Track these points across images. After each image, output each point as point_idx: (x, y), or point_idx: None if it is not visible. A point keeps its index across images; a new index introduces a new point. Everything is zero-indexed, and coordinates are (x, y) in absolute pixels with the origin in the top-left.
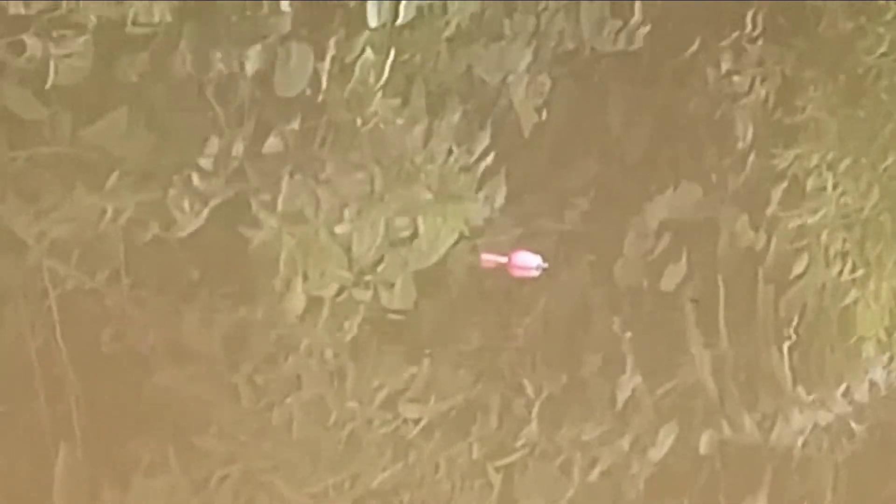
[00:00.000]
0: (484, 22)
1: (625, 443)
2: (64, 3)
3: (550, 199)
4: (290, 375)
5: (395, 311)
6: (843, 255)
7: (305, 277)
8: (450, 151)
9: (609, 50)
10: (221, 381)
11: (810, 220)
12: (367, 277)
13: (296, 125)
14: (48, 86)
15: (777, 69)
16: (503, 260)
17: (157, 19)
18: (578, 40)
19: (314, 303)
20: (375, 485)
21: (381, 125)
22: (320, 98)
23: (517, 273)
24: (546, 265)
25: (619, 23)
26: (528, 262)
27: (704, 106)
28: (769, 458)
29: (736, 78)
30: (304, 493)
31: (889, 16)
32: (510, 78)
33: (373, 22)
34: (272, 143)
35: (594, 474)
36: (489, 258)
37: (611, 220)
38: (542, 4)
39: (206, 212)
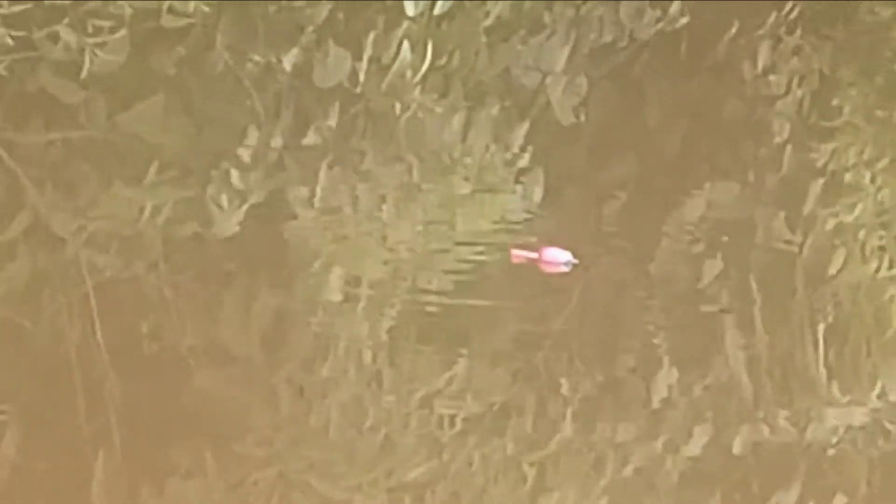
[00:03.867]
0: (523, 12)
1: (659, 443)
2: None
3: (588, 194)
4: (328, 377)
5: (432, 306)
6: (880, 252)
7: (343, 268)
8: (487, 145)
9: (648, 37)
10: (261, 384)
11: (847, 218)
12: (404, 271)
13: (334, 116)
14: (84, 75)
15: (814, 66)
16: (534, 256)
17: (192, 8)
18: (618, 29)
19: (351, 293)
20: (410, 478)
21: (420, 114)
22: (358, 89)
23: (547, 268)
24: (576, 261)
25: (658, 12)
26: (559, 257)
27: (741, 107)
28: (803, 455)
29: (772, 77)
30: (339, 488)
31: None
32: (548, 80)
33: (411, 11)
34: (311, 135)
35: (627, 469)
36: (520, 254)
37: (648, 217)
38: None
39: (244, 208)
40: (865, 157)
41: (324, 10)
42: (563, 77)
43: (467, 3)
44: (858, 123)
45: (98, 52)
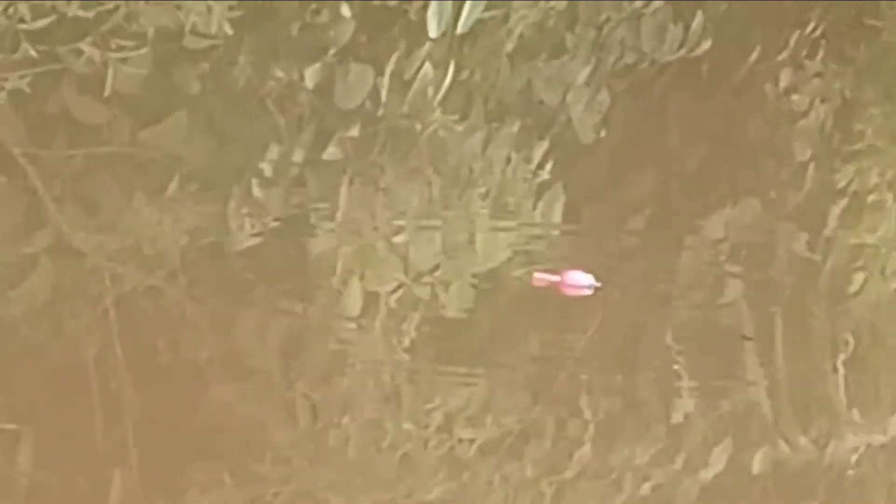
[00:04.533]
0: (545, 33)
1: (678, 463)
2: (122, 10)
3: (608, 214)
4: (346, 394)
5: (451, 325)
6: None
7: (362, 282)
8: (508, 160)
9: (669, 59)
10: (278, 400)
11: (869, 239)
12: (423, 286)
13: (355, 132)
14: (107, 92)
15: (836, 87)
16: (556, 279)
17: (214, 30)
18: (639, 52)
19: (370, 308)
20: (429, 498)
21: (441, 132)
22: (380, 112)
23: (569, 292)
24: (599, 284)
25: (681, 31)
26: (581, 281)
27: (762, 125)
28: (823, 476)
29: (795, 97)
30: None
31: None
32: (569, 97)
33: (433, 32)
34: (332, 151)
35: (645, 488)
36: (542, 276)
37: (668, 237)
38: (604, 15)
39: (265, 222)
40: (888, 178)
41: (347, 32)
42: (584, 92)
43: (489, 23)
44: (881, 146)
45: (122, 67)
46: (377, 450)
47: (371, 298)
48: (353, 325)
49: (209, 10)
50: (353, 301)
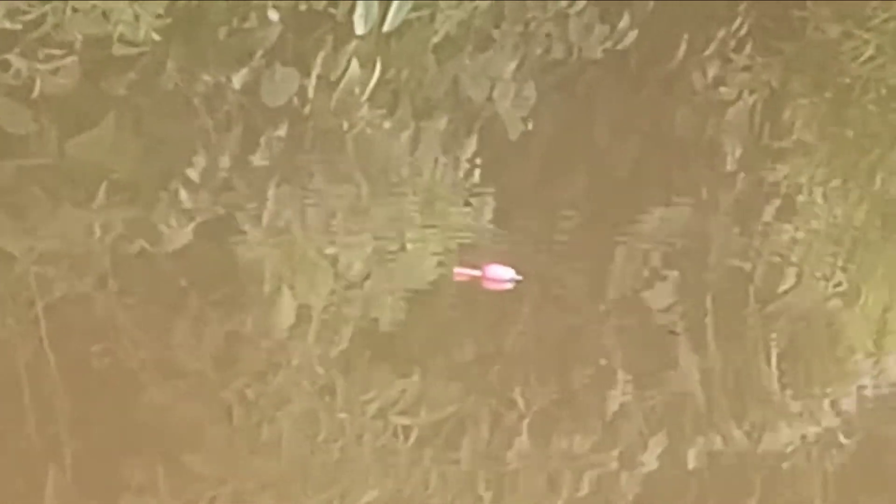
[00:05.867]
0: (472, 30)
1: (614, 455)
2: (50, 19)
3: (540, 213)
4: (280, 390)
5: (384, 327)
6: (832, 270)
7: (293, 290)
8: (436, 161)
9: (596, 55)
10: (212, 398)
11: (800, 236)
12: (355, 291)
13: (283, 132)
14: (34, 95)
15: (764, 79)
16: (476, 273)
17: (142, 37)
18: (566, 46)
19: (303, 316)
20: (365, 497)
21: (368, 130)
22: (307, 109)
23: (491, 286)
24: (520, 278)
25: (608, 28)
26: (502, 274)
27: (692, 118)
28: (758, 469)
29: (723, 88)
30: None
31: (876, 21)
32: (495, 93)
33: (360, 29)
34: (260, 153)
35: (583, 484)
36: (462, 271)
37: (601, 235)
38: (530, 13)
39: (193, 227)
40: (818, 178)
41: (274, 34)
42: (510, 86)
43: (416, 22)
44: (810, 140)
45: (49, 77)
46: (312, 445)
47: (303, 310)
48: (285, 334)
49: (136, 18)
50: (286, 311)
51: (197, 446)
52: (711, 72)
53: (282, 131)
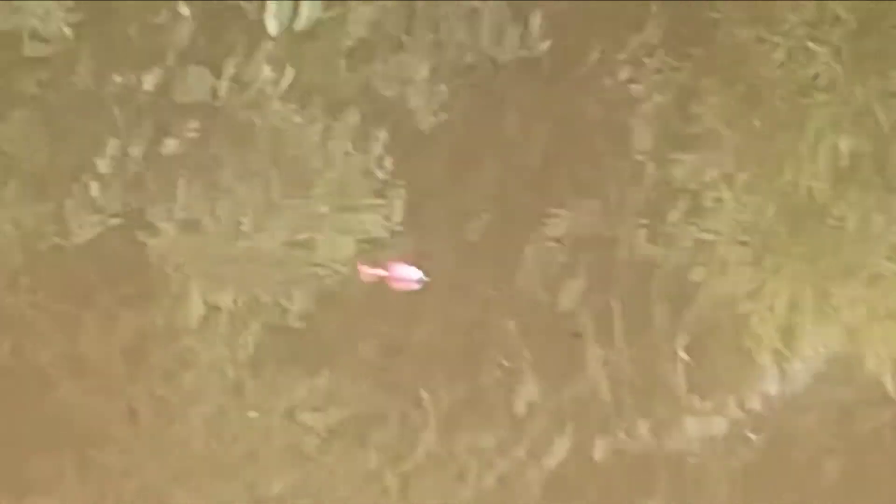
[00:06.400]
0: (383, 33)
1: (521, 451)
2: None
3: (450, 211)
4: (190, 389)
5: (293, 322)
6: (739, 268)
7: (203, 287)
8: (347, 154)
9: (508, 59)
10: (120, 395)
11: (707, 235)
12: (265, 288)
13: (194, 128)
14: None
15: (675, 79)
16: (383, 273)
17: (53, 30)
18: (478, 51)
19: (212, 313)
20: (273, 492)
21: (280, 124)
22: (219, 104)
23: (398, 286)
24: (427, 278)
25: (520, 28)
26: (409, 274)
27: (602, 113)
28: (663, 465)
29: (633, 86)
30: (203, 499)
31: (786, 26)
32: (409, 89)
33: (273, 30)
34: (170, 146)
35: (490, 479)
36: (368, 271)
37: (511, 233)
38: (440, 13)
39: (104, 221)
40: (726, 171)
41: (185, 32)
42: (423, 85)
43: (328, 22)
44: (719, 131)
45: None
46: (220, 442)
47: (213, 300)
48: (194, 331)
49: (48, 13)
50: (194, 307)
51: (104, 442)
52: (623, 74)
53: (194, 125)
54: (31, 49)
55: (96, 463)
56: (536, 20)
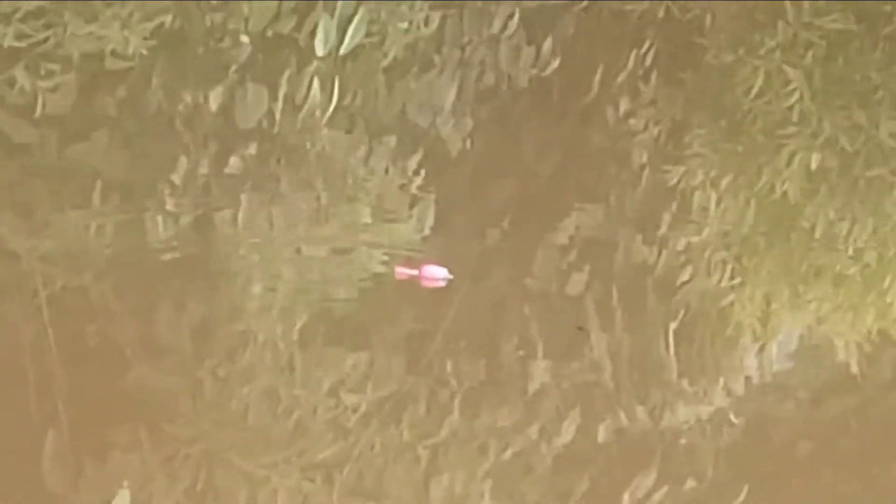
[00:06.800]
0: (416, 53)
1: (534, 430)
2: (52, 40)
3: (472, 220)
4: (246, 369)
5: (337, 312)
6: (723, 266)
7: (260, 281)
8: (386, 171)
9: (524, 82)
10: (189, 373)
11: (695, 238)
12: (313, 283)
13: (253, 148)
14: (37, 114)
15: (668, 113)
16: (414, 272)
17: (131, 50)
18: (497, 70)
19: (267, 303)
20: (319, 459)
21: (328, 147)
22: (275, 129)
23: (427, 284)
24: (452, 277)
25: (534, 50)
26: (437, 274)
27: (604, 141)
28: (658, 443)
29: (632, 121)
30: (257, 466)
31: (763, 50)
32: (438, 119)
33: (320, 51)
34: (233, 165)
35: (507, 454)
36: (403, 271)
37: (525, 238)
38: (465, 37)
39: (177, 226)
40: (711, 176)
41: (245, 52)
42: (451, 116)
43: (368, 45)
44: (705, 153)
45: (50, 94)
46: (273, 415)
47: (268, 294)
48: (251, 319)
49: (127, 40)
50: (253, 296)
51: (174, 414)
52: (623, 106)
53: (252, 148)
54: (111, 63)
55: (166, 432)
56: (549, 43)
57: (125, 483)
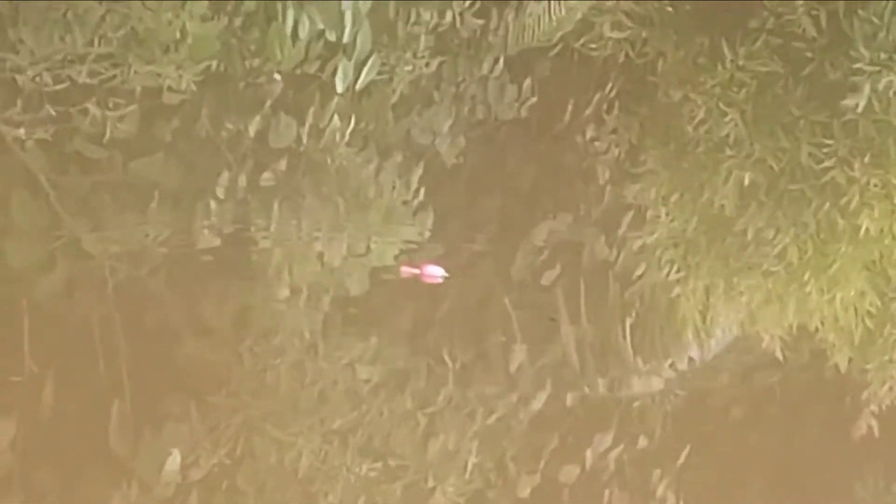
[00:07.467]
0: (420, 89)
1: (514, 398)
2: (118, 78)
3: (465, 226)
4: (278, 347)
5: (352, 302)
6: (671, 263)
7: (289, 277)
8: (393, 186)
9: (508, 117)
10: (230, 350)
11: (648, 240)
12: (333, 278)
13: (283, 165)
14: (106, 139)
15: (625, 138)
16: (416, 271)
17: (184, 86)
18: (486, 105)
19: (295, 293)
20: (336, 426)
21: (345, 163)
22: (302, 148)
23: (427, 280)
24: (448, 275)
25: (516, 88)
26: (435, 272)
27: (574, 160)
28: (616, 409)
29: (597, 143)
30: (287, 433)
31: (706, 86)
32: (437, 140)
33: (340, 88)
34: (267, 179)
35: (492, 419)
36: (406, 270)
37: (507, 241)
38: (459, 76)
39: (220, 230)
40: (662, 193)
41: (277, 90)
42: (447, 137)
43: (379, 82)
44: (657, 169)
45: (116, 123)
46: (301, 386)
47: (296, 286)
48: (282, 305)
49: (181, 77)
50: (284, 287)
51: (217, 386)
52: (589, 133)
53: (283, 164)
54: (167, 97)
55: (210, 402)
56: (528, 82)
57: (176, 449)
